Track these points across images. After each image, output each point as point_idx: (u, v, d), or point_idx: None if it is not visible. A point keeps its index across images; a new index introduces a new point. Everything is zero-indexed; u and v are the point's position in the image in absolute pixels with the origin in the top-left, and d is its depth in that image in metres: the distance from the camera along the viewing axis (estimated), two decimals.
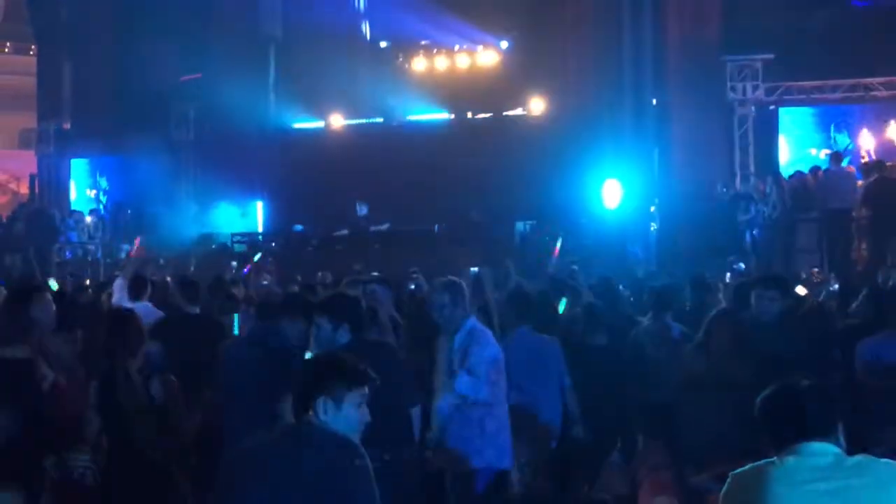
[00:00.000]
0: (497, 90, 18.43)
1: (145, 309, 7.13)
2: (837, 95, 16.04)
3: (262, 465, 3.18)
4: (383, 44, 20.06)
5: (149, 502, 4.44)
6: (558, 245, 13.61)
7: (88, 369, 5.05)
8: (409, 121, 18.89)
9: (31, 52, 24.09)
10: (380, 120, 19.08)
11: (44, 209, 18.28)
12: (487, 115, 18.79)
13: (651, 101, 15.85)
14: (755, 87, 15.98)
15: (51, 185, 20.49)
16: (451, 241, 15.41)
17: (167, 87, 18.76)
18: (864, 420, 4.89)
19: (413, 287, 9.24)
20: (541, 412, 6.03)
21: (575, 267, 9.66)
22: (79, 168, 20.61)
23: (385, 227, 16.50)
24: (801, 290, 7.66)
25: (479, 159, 16.86)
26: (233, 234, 17.42)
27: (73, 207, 19.34)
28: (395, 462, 4.45)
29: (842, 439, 2.92)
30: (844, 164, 14.37)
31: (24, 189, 24.55)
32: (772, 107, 16.37)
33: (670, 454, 5.34)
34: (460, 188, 16.70)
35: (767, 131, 16.37)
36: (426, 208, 16.79)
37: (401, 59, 19.86)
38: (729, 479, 2.95)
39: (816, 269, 12.67)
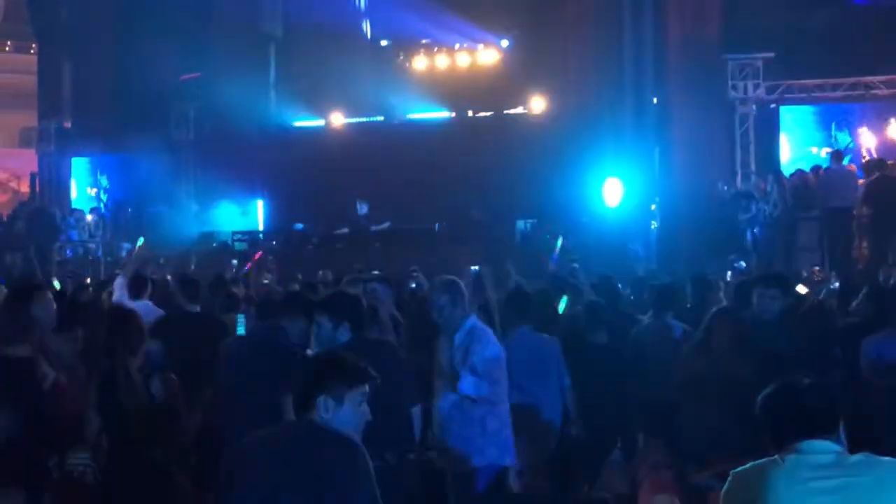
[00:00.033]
0: (498, 89, 18.43)
1: (145, 307, 7.12)
2: (838, 94, 16.03)
3: (262, 463, 3.18)
4: (384, 42, 20.05)
5: (149, 501, 4.43)
6: (559, 244, 13.60)
7: (89, 368, 5.04)
8: (409, 119, 18.89)
9: (32, 51, 24.09)
10: (380, 118, 19.08)
11: (44, 208, 18.28)
12: (488, 113, 18.79)
13: (652, 100, 15.85)
14: (756, 86, 15.97)
15: (51, 183, 20.49)
16: (451, 240, 15.42)
17: (167, 86, 18.76)
18: (867, 418, 4.89)
19: (414, 286, 9.24)
20: (541, 411, 6.03)
21: (576, 265, 9.66)
22: (79, 167, 20.61)
23: (385, 225, 16.50)
24: (801, 289, 7.66)
25: (480, 158, 16.86)
26: (233, 233, 17.42)
27: (73, 206, 19.34)
28: (395, 462, 4.45)
29: (843, 437, 2.92)
30: (845, 162, 14.36)
31: (24, 188, 24.55)
32: (773, 105, 16.36)
33: (671, 453, 5.34)
34: (461, 187, 16.70)
35: (768, 130, 16.36)
36: (427, 207, 16.79)
37: (401, 58, 19.85)
38: (730, 478, 2.95)
39: (817, 268, 12.67)
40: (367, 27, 19.95)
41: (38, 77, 21.67)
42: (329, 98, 18.90)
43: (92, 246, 17.55)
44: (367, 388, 3.26)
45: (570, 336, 6.53)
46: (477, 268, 10.05)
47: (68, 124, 20.60)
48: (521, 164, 16.38)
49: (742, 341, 5.38)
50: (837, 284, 9.10)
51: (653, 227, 15.45)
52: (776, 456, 2.88)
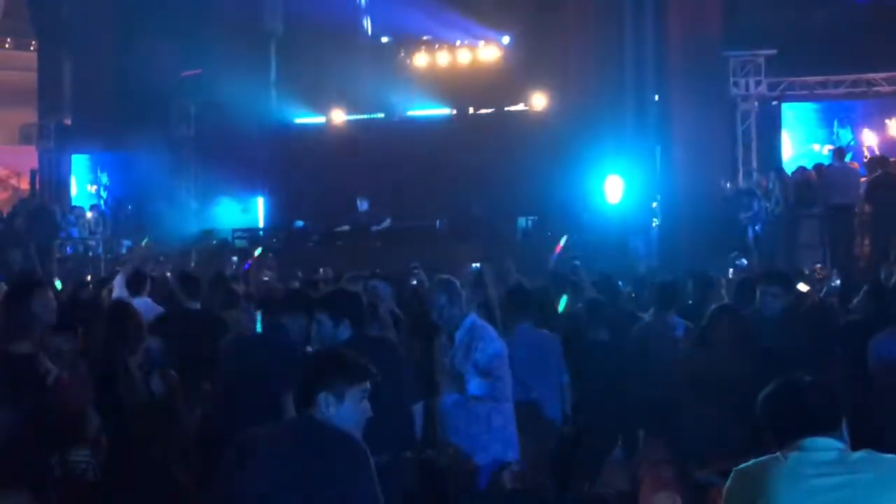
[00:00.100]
0: (499, 86, 18.42)
1: (145, 305, 7.12)
2: (840, 91, 16.01)
3: (263, 459, 3.17)
4: (384, 39, 20.04)
5: (148, 499, 4.42)
6: (562, 242, 13.60)
7: (89, 365, 5.03)
8: (410, 116, 18.88)
9: (32, 48, 24.06)
10: (381, 115, 19.07)
11: (44, 205, 18.28)
12: (489, 110, 18.79)
13: (653, 97, 15.84)
14: (758, 83, 15.95)
15: (51, 180, 20.47)
16: (452, 237, 15.43)
17: (168, 83, 18.74)
18: (868, 416, 4.87)
19: (414, 283, 9.23)
20: (542, 408, 6.02)
21: (577, 262, 9.66)
22: (79, 164, 20.60)
23: (386, 223, 16.49)
24: (802, 287, 7.65)
25: (481, 155, 16.86)
26: (234, 230, 17.43)
27: (73, 203, 19.33)
28: (396, 459, 4.44)
29: (845, 434, 2.91)
30: (847, 159, 14.34)
31: (24, 185, 24.51)
32: (774, 102, 16.34)
33: (672, 450, 5.33)
34: (462, 184, 16.70)
35: (770, 127, 16.34)
36: (428, 204, 16.79)
37: (402, 55, 19.84)
38: (732, 475, 2.94)
39: (819, 265, 12.66)
40: (367, 24, 19.94)
41: (38, 74, 21.65)
42: (330, 95, 18.90)
43: (92, 243, 17.55)
44: (367, 385, 3.26)
45: (572, 333, 6.52)
46: (478, 265, 10.04)
47: (68, 121, 20.59)
48: (521, 162, 16.38)
49: (741, 339, 5.37)
50: (839, 282, 9.09)
51: (654, 224, 15.45)
52: (778, 453, 2.87)
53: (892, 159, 14.23)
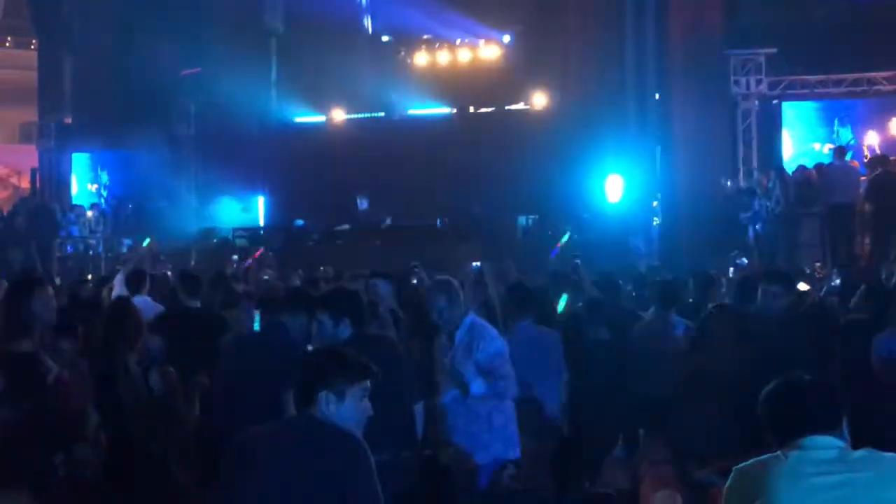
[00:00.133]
0: (499, 84, 18.42)
1: (145, 303, 7.11)
2: (841, 90, 16.00)
3: (263, 458, 3.17)
4: (385, 38, 20.03)
5: (148, 497, 4.42)
6: (563, 240, 13.60)
7: (89, 364, 5.03)
8: (410, 115, 18.88)
9: (32, 47, 24.06)
10: (381, 114, 19.07)
11: (45, 204, 18.27)
12: (489, 109, 18.78)
13: (654, 96, 15.83)
14: (758, 82, 15.94)
15: (52, 179, 20.47)
16: (453, 236, 15.42)
17: (168, 82, 18.73)
18: (868, 415, 4.87)
19: (415, 282, 9.22)
20: (543, 406, 6.02)
21: (577, 261, 9.63)
22: (80, 162, 20.60)
23: (387, 222, 16.49)
24: (802, 286, 7.66)
25: (481, 154, 16.86)
26: (234, 229, 17.42)
27: (74, 202, 19.33)
28: (396, 458, 4.43)
29: (846, 433, 2.91)
30: (847, 158, 14.33)
31: (25, 183, 24.52)
32: (775, 101, 16.33)
33: (672, 449, 5.33)
34: (462, 183, 16.70)
35: (770, 126, 16.34)
36: (428, 203, 16.79)
37: (403, 54, 19.84)
38: (733, 473, 2.94)
39: (819, 264, 12.66)
40: (368, 23, 19.93)
41: (38, 73, 21.65)
42: (330, 94, 18.90)
43: (92, 242, 17.55)
44: (368, 383, 3.25)
45: (572, 332, 6.52)
46: (478, 264, 10.04)
47: (69, 120, 20.59)
48: (522, 161, 16.38)
49: (738, 338, 5.37)
50: (839, 281, 9.08)
51: (655, 223, 15.44)
52: (779, 452, 2.87)
53: (892, 158, 14.21)
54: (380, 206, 16.65)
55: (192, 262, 14.91)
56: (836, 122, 16.16)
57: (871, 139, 15.89)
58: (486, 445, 5.10)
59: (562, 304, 7.40)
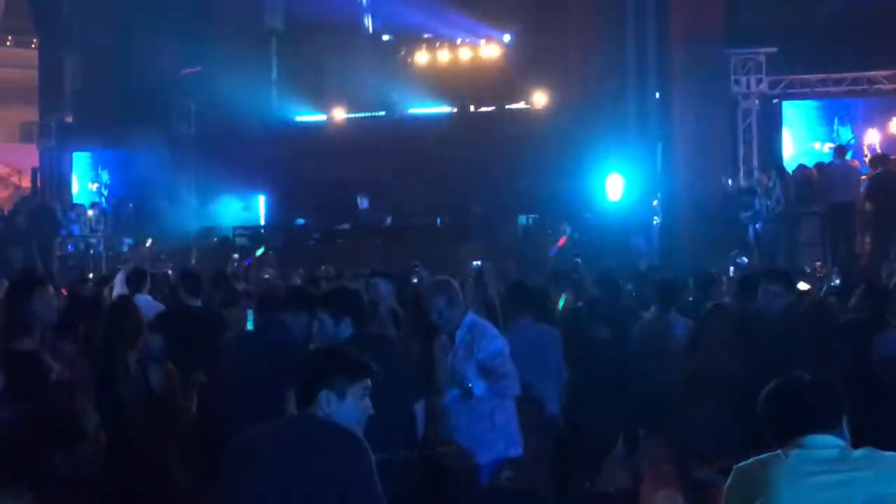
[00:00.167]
0: (499, 84, 18.43)
1: (145, 302, 7.11)
2: (841, 89, 16.00)
3: (263, 457, 3.16)
4: (386, 37, 20.04)
5: (147, 496, 4.42)
6: (565, 236, 13.60)
7: (89, 363, 5.03)
8: (411, 114, 18.89)
9: (33, 46, 24.05)
10: (382, 113, 19.08)
11: (45, 203, 18.29)
12: (490, 108, 18.79)
13: (654, 95, 15.83)
14: (759, 81, 15.93)
15: (52, 178, 20.48)
16: (453, 235, 15.43)
17: (169, 81, 18.74)
18: (867, 414, 4.87)
19: (415, 280, 9.23)
20: (543, 404, 6.02)
21: (578, 260, 9.66)
22: (80, 162, 20.61)
23: (387, 221, 16.49)
24: (801, 286, 7.66)
25: (482, 153, 16.87)
26: (234, 228, 17.43)
27: (74, 201, 19.33)
28: (397, 457, 4.43)
29: (846, 432, 2.91)
30: (848, 157, 14.33)
31: (25, 183, 24.54)
32: (775, 100, 16.33)
33: (672, 448, 5.32)
34: (462, 182, 16.71)
35: (771, 125, 16.33)
36: (428, 202, 16.80)
37: (403, 53, 19.84)
38: (733, 472, 2.94)
39: (819, 263, 12.65)
40: (368, 22, 19.94)
41: (39, 72, 21.66)
42: (330, 93, 18.90)
43: (93, 241, 17.55)
44: (369, 382, 3.25)
45: (573, 331, 6.52)
46: (479, 263, 10.06)
47: (69, 119, 20.59)
48: (522, 160, 16.38)
49: (737, 337, 5.37)
50: (838, 281, 9.08)
51: (655, 222, 15.44)
52: (779, 451, 2.87)
53: (892, 157, 14.20)
54: (380, 206, 16.66)
55: (193, 261, 14.93)
56: (835, 121, 16.15)
57: (872, 137, 15.88)
58: (489, 444, 5.10)
59: (561, 304, 7.40)
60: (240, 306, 7.14)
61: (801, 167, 14.80)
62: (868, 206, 13.51)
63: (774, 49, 15.67)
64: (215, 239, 17.02)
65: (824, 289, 8.85)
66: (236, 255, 14.90)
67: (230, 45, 18.08)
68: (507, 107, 18.58)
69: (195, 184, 19.08)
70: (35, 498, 4.28)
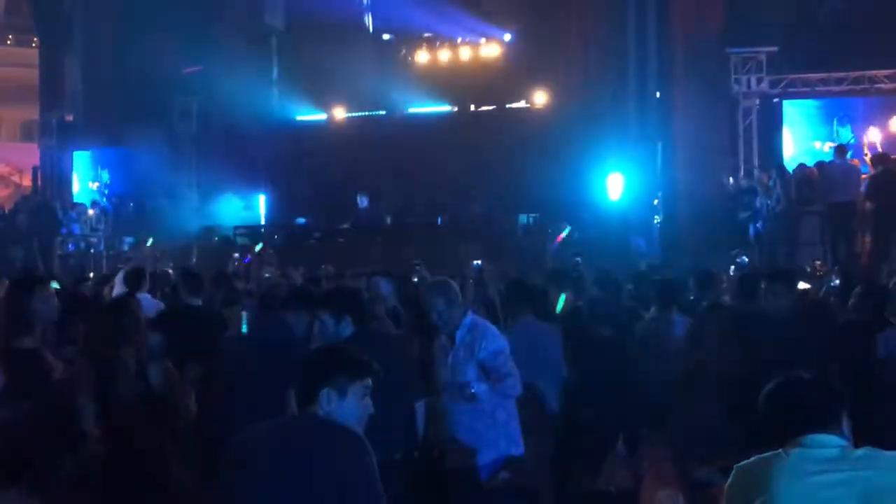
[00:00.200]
0: (500, 83, 18.43)
1: (145, 301, 7.10)
2: (842, 88, 16.00)
3: (264, 456, 3.16)
4: (386, 36, 20.04)
5: (147, 496, 4.42)
6: (564, 233, 13.59)
7: (89, 361, 5.03)
8: (411, 113, 18.89)
9: (34, 45, 24.06)
10: (382, 112, 19.09)
11: (46, 202, 18.29)
12: (490, 107, 18.79)
13: (654, 94, 15.82)
14: (759, 80, 15.93)
15: (53, 177, 20.49)
16: (453, 234, 15.42)
17: (170, 80, 18.74)
18: (870, 413, 4.88)
19: (416, 279, 9.24)
20: (543, 403, 6.02)
21: (578, 259, 9.65)
22: (81, 160, 20.61)
23: (388, 219, 16.50)
24: (801, 285, 7.65)
25: (482, 152, 16.86)
26: (235, 227, 17.43)
27: (75, 200, 19.34)
28: (398, 456, 4.44)
29: (846, 431, 2.91)
30: (848, 156, 14.32)
31: (26, 181, 24.56)
32: (776, 99, 16.33)
33: (673, 447, 5.32)
34: (463, 181, 16.72)
35: (771, 124, 16.33)
36: (428, 201, 16.81)
37: (404, 52, 19.85)
38: (734, 472, 2.94)
39: (819, 262, 12.64)
40: (369, 21, 19.94)
41: (40, 71, 21.67)
42: (331, 92, 18.91)
43: (94, 240, 17.55)
44: (370, 381, 3.25)
45: (573, 330, 6.52)
46: (479, 262, 10.05)
47: (70, 118, 20.58)
48: (523, 159, 16.38)
49: (734, 336, 5.37)
50: (838, 281, 9.07)
51: (655, 221, 15.44)
52: (780, 450, 2.87)
53: (893, 156, 14.20)
54: (380, 205, 16.66)
55: (194, 260, 14.93)
56: (835, 122, 16.15)
57: (873, 136, 15.87)
58: (490, 443, 5.09)
59: (560, 303, 7.39)
60: (240, 305, 7.14)
61: (802, 166, 14.80)
62: (868, 205, 13.50)
63: (775, 48, 15.67)
64: (216, 238, 17.02)
65: (824, 288, 8.85)
66: (237, 255, 14.91)
67: (231, 45, 18.08)
68: (507, 106, 18.58)
69: (196, 183, 19.08)
70: (34, 498, 4.28)
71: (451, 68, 19.29)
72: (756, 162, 15.93)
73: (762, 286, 6.18)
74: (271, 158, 18.87)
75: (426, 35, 19.61)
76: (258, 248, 14.93)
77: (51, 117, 20.55)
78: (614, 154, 15.37)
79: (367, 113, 19.28)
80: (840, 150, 14.21)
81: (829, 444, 2.85)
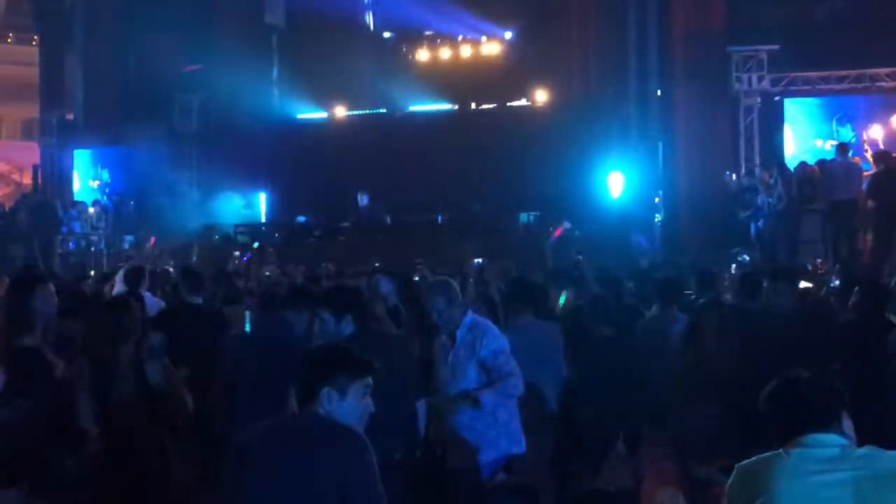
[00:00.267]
0: (501, 81, 18.43)
1: (146, 299, 7.10)
2: (843, 86, 15.99)
3: (264, 455, 3.16)
4: (387, 34, 20.04)
5: (147, 494, 4.41)
6: (562, 227, 13.58)
7: (89, 360, 5.03)
8: (412, 111, 18.88)
9: (34, 43, 24.06)
10: (383, 111, 19.09)
11: (47, 201, 18.29)
12: (491, 106, 18.79)
13: (655, 93, 15.82)
14: (760, 78, 15.93)
15: (54, 176, 20.49)
16: (454, 233, 15.42)
17: (170, 78, 18.75)
18: (871, 413, 4.87)
19: (417, 278, 9.23)
20: (543, 401, 6.01)
21: (580, 257, 9.65)
22: (82, 159, 20.60)
23: (387, 218, 16.49)
24: (803, 284, 7.66)
25: (483, 150, 16.87)
26: (236, 226, 17.43)
27: (76, 198, 19.34)
28: (399, 455, 4.43)
29: (847, 430, 2.90)
30: (850, 155, 14.31)
31: (27, 180, 24.56)
32: (777, 98, 16.32)
33: (674, 447, 5.32)
34: (463, 179, 16.71)
35: (772, 122, 16.32)
36: (429, 199, 16.80)
37: (404, 50, 19.84)
38: (735, 471, 2.93)
39: (820, 260, 12.64)
40: (369, 19, 19.94)
41: (40, 69, 21.66)
42: (332, 90, 18.91)
43: (94, 238, 17.56)
44: (370, 380, 3.25)
45: (574, 329, 6.51)
46: (480, 261, 10.05)
47: (71, 116, 20.58)
48: (523, 157, 16.37)
49: (734, 335, 5.36)
50: (838, 281, 9.06)
51: (656, 219, 15.44)
52: (781, 449, 2.86)
53: (894, 154, 14.18)
54: (381, 203, 16.66)
55: (194, 259, 14.93)
56: (834, 121, 16.13)
57: (875, 133, 15.85)
58: (491, 442, 5.08)
59: (562, 301, 7.39)
60: (241, 304, 7.14)
61: (803, 164, 14.78)
62: (870, 203, 13.48)
63: (776, 46, 15.66)
64: (216, 236, 17.02)
65: (825, 288, 8.84)
66: (237, 253, 14.91)
67: (231, 43, 18.08)
68: (508, 104, 18.58)
69: (196, 181, 19.07)
70: (35, 497, 4.28)
71: (451, 66, 19.28)
72: (757, 160, 15.93)
73: (764, 285, 6.17)
74: (272, 157, 18.88)
75: (427, 33, 19.61)
76: (255, 245, 14.93)
77: (51, 116, 20.55)
78: (615, 152, 15.37)
79: (367, 111, 19.28)
80: (842, 147, 14.20)
81: (829, 443, 2.84)
